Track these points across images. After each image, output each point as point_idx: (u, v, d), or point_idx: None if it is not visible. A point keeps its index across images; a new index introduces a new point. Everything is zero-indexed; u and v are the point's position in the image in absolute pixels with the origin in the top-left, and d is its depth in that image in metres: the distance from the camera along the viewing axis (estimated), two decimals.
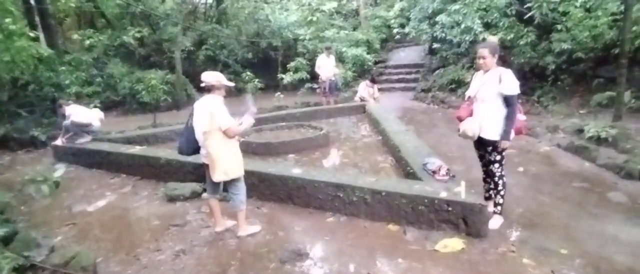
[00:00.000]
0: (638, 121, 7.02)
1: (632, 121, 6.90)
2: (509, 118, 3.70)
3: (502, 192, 3.89)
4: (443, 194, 3.79)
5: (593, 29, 8.05)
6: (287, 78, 13.59)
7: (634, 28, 7.29)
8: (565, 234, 3.72)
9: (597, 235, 3.68)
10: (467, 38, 10.71)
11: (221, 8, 17.15)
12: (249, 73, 12.78)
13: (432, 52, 14.95)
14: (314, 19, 13.95)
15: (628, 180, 5.06)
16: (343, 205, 4.31)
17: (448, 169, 4.34)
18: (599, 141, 6.17)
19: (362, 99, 10.96)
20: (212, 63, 15.99)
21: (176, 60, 14.02)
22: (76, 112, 7.39)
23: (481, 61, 3.75)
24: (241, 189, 3.96)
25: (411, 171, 4.77)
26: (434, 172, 4.33)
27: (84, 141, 7.39)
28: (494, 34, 10.01)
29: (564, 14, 8.76)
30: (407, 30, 14.50)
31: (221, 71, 15.97)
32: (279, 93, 12.57)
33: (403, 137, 6.24)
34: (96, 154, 6.89)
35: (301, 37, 14.66)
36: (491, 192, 4.14)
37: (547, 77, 9.32)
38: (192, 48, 15.32)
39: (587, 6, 8.59)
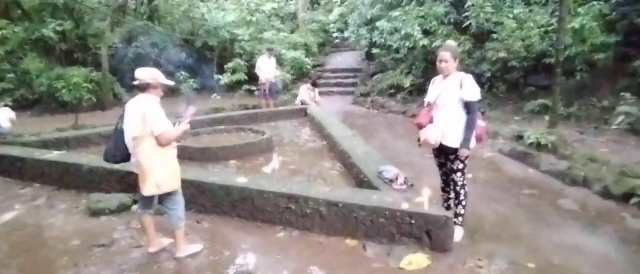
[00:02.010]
0: (570, 128, 7.34)
1: (565, 128, 7.18)
2: (470, 125, 3.54)
3: (464, 203, 3.72)
4: (405, 206, 3.54)
5: (526, 39, 8.36)
6: (225, 79, 12.99)
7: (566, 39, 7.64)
8: (529, 246, 3.60)
9: (560, 246, 3.60)
10: (406, 44, 10.78)
11: (153, 5, 16.09)
12: (184, 73, 12.00)
13: (369, 57, 15.08)
14: (253, 19, 13.44)
15: (573, 187, 5.16)
16: (295, 218, 3.93)
17: (406, 178, 4.12)
18: (539, 147, 6.32)
19: (303, 103, 10.66)
20: (143, 62, 14.96)
21: (103, 57, 12.89)
22: None
23: (443, 65, 3.56)
24: (179, 203, 3.45)
25: (365, 179, 4.50)
26: (391, 181, 4.08)
27: None
28: (433, 41, 10.21)
29: (499, 24, 9.07)
30: (346, 35, 14.48)
31: None
32: (216, 95, 11.94)
33: (351, 143, 5.99)
34: (3, 160, 5.94)
35: (239, 38, 14.09)
36: (451, 202, 3.97)
37: (484, 85, 9.58)
38: (120, 45, 14.21)
39: (519, 18, 8.96)
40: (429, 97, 3.81)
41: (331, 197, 3.80)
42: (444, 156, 3.74)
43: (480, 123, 3.65)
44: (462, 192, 3.69)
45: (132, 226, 4.19)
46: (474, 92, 3.51)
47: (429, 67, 11.31)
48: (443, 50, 3.57)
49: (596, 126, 7.36)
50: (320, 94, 12.21)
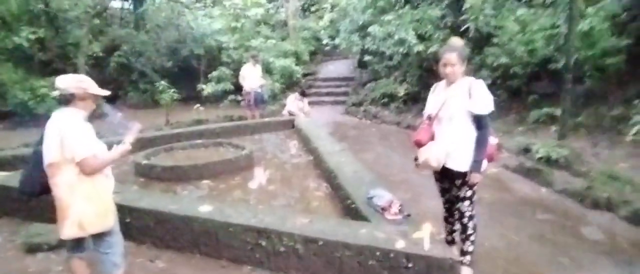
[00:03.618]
0: (580, 140, 6.67)
1: (574, 139, 6.53)
2: (481, 144, 2.87)
3: (472, 238, 3.03)
4: (400, 244, 2.84)
5: (530, 43, 7.73)
6: (209, 89, 12.29)
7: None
8: None
9: None
10: (400, 50, 10.13)
11: (138, 12, 15.41)
12: (163, 82, 11.27)
13: (362, 65, 14.46)
14: (239, 25, 12.77)
15: (595, 210, 4.47)
16: (266, 257, 3.21)
17: (401, 205, 3.41)
18: (549, 162, 5.66)
19: (291, 113, 9.97)
20: (126, 71, 14.35)
21: (80, 66, 12.17)
22: None
23: (448, 69, 2.89)
24: (114, 246, 2.73)
25: (353, 205, 3.79)
26: (384, 209, 3.38)
27: None
28: (428, 47, 9.57)
29: (499, 27, 8.44)
30: (337, 41, 13.86)
31: (136, 81, 14.56)
32: (198, 105, 11.22)
33: (339, 159, 5.29)
34: None
35: (224, 45, 13.42)
36: (455, 235, 3.29)
37: None
38: (101, 54, 13.51)
39: (521, 19, 8.34)
40: (429, 109, 3.13)
41: (309, 231, 3.09)
42: (448, 180, 3.07)
43: (492, 140, 2.97)
44: (471, 224, 3.00)
45: None
46: (485, 103, 2.85)
47: (424, 75, 10.68)
48: (448, 52, 2.90)
49: (609, 137, 6.71)
50: (311, 103, 11.57)
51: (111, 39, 14.56)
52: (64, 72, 12.70)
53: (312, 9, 19.62)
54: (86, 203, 2.50)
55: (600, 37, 7.00)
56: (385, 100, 11.60)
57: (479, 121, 2.86)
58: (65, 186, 2.46)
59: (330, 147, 6.11)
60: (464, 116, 2.87)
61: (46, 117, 2.65)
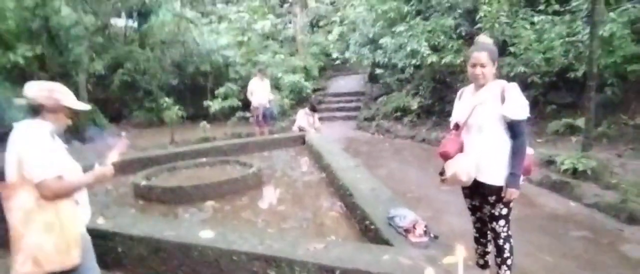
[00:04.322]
0: (603, 150, 6.25)
1: (598, 150, 6.10)
2: (517, 154, 2.51)
3: (509, 262, 2.64)
4: (429, 272, 2.43)
5: (547, 51, 7.34)
6: (215, 106, 12.02)
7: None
8: None
9: None
10: (412, 62, 9.79)
11: (143, 29, 15.28)
12: (167, 99, 11.02)
13: (373, 79, 14.19)
14: (245, 39, 12.54)
15: (634, 226, 4.09)
16: None
17: (426, 226, 3.00)
18: (575, 174, 5.26)
19: (301, 129, 9.61)
20: (131, 89, 14.13)
21: (80, 85, 11.99)
22: None
23: (478, 71, 2.53)
24: None
25: (372, 226, 3.39)
26: (407, 231, 2.97)
27: None
28: (442, 58, 9.21)
29: (515, 36, 8.07)
30: (347, 55, 13.59)
31: (141, 99, 14.34)
32: (204, 123, 10.94)
33: (354, 176, 4.90)
34: None
35: (231, 61, 13.19)
36: (487, 258, 2.88)
37: None
38: (104, 72, 13.32)
39: (538, 27, 7.97)
40: (456, 116, 2.76)
41: (325, 259, 2.70)
42: (480, 197, 2.68)
43: (529, 150, 2.59)
44: (507, 246, 2.61)
45: None
46: (521, 107, 2.47)
47: (438, 87, 10.33)
48: (478, 50, 2.55)
49: (632, 147, 6.29)
50: (322, 119, 11.24)
51: (114, 56, 14.36)
52: None
53: (321, 24, 19.44)
54: (44, 234, 2.08)
55: (621, 44, 6.67)
56: (398, 114, 11.27)
57: (515, 128, 2.50)
58: (21, 212, 2.06)
59: (344, 163, 5.73)
60: (496, 123, 2.52)
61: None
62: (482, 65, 2.53)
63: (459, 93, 2.84)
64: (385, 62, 11.02)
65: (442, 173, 2.80)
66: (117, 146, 2.51)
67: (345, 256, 2.71)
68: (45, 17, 11.94)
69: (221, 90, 12.48)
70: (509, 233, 2.65)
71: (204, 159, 6.99)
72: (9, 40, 12.30)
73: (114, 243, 3.44)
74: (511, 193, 2.49)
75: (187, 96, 13.72)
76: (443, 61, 9.06)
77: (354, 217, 4.09)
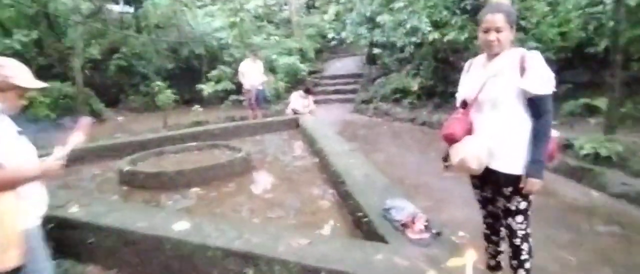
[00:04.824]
0: (629, 133, 5.81)
1: (622, 133, 5.68)
2: (541, 137, 2.13)
3: (527, 265, 2.27)
4: None
5: (563, 24, 6.88)
6: (208, 89, 11.64)
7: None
8: None
9: None
10: (412, 40, 9.36)
11: (139, 12, 14.82)
12: (159, 83, 10.65)
13: (371, 60, 13.77)
14: (237, 20, 12.10)
15: None
16: None
17: (428, 221, 2.65)
18: (597, 159, 4.85)
19: (295, 112, 9.25)
20: (127, 74, 13.85)
21: (75, 70, 11.71)
22: None
23: (492, 37, 2.13)
24: None
25: (365, 219, 3.05)
26: (405, 225, 2.63)
27: None
28: (444, 35, 8.78)
29: (527, 9, 7.60)
30: (343, 35, 13.14)
31: (137, 84, 14.00)
32: (197, 106, 10.59)
33: (347, 161, 4.56)
34: None
35: (223, 42, 12.78)
36: (501, 258, 2.54)
37: None
38: (99, 57, 12.97)
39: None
40: (464, 92, 2.38)
41: (309, 257, 2.37)
42: (492, 188, 2.31)
43: (553, 133, 2.21)
44: (525, 246, 2.25)
45: None
46: (546, 80, 2.09)
47: (440, 66, 9.90)
48: (492, 12, 2.13)
49: None
50: (318, 102, 10.87)
51: (110, 41, 14.05)
52: (64, 76, 12.34)
53: (317, 4, 18.92)
54: None
55: None
56: (397, 96, 10.86)
57: (538, 106, 2.11)
58: None
59: (337, 147, 5.39)
60: (514, 99, 2.13)
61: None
62: (498, 30, 2.11)
63: (466, 65, 2.45)
64: (383, 42, 10.60)
65: (445, 159, 2.43)
66: (72, 137, 2.18)
67: (333, 255, 2.37)
68: (44, 3, 11.49)
69: (214, 73, 12.09)
70: (528, 230, 2.28)
71: (193, 143, 6.65)
72: (8, 27, 11.99)
73: (86, 234, 3.12)
74: (533, 184, 2.10)
75: (182, 80, 13.39)
76: (446, 38, 8.59)
77: (346, 207, 3.75)
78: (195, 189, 4.72)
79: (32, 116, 9.21)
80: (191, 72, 14.01)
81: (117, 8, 15.72)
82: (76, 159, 6.24)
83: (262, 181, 5.10)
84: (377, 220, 2.85)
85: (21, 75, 2.01)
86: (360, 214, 3.16)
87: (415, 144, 7.63)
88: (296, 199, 4.24)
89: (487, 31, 2.13)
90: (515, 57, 2.13)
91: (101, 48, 13.23)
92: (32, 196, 2.05)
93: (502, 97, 2.13)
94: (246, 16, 12.71)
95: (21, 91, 2.02)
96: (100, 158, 6.38)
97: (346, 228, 3.37)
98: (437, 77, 9.81)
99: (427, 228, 2.57)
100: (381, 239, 2.63)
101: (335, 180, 4.35)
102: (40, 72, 12.41)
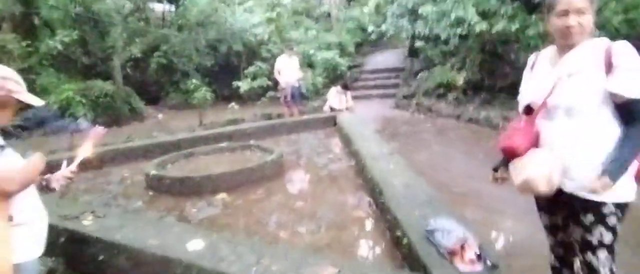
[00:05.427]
0: None
1: None
2: (632, 149, 1.62)
3: None
4: None
5: (630, 10, 6.10)
6: (244, 86, 11.45)
7: None
8: None
9: None
10: (458, 31, 8.71)
11: (180, 11, 14.91)
12: (195, 81, 10.57)
13: (412, 53, 13.15)
14: (273, 15, 11.84)
15: None
16: None
17: (480, 248, 2.18)
18: None
19: (332, 109, 8.86)
20: (167, 72, 13.94)
21: (115, 68, 11.89)
22: None
23: (573, 22, 1.64)
24: None
25: (405, 241, 2.61)
26: (453, 253, 2.17)
27: None
28: (493, 25, 8.08)
29: None
30: (383, 28, 12.59)
31: (177, 81, 14.09)
32: (233, 104, 10.42)
33: (386, 167, 4.12)
34: None
35: (260, 38, 12.57)
36: None
37: None
38: (140, 55, 13.11)
39: None
40: (528, 94, 1.89)
41: None
42: (566, 212, 1.82)
43: None
44: None
45: None
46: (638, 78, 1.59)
47: (487, 60, 9.19)
48: None
49: None
50: (357, 97, 10.45)
51: (151, 40, 14.19)
52: (107, 74, 12.56)
53: None
54: None
55: None
56: (441, 91, 10.22)
57: (632, 112, 1.60)
58: None
59: (375, 149, 4.95)
60: (597, 104, 1.63)
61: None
62: (579, 12, 1.63)
63: (530, 61, 1.96)
64: (426, 34, 9.96)
65: (496, 169, 1.98)
66: (80, 150, 1.93)
67: None
68: (89, 3, 11.69)
69: (250, 70, 11.89)
70: (614, 269, 1.77)
71: (224, 144, 6.40)
72: (54, 28, 12.33)
73: (96, 250, 2.86)
74: (604, 185, 1.60)
75: (220, 76, 13.35)
76: (494, 29, 7.89)
77: (384, 220, 3.32)
78: (221, 196, 4.42)
79: (71, 115, 9.28)
80: (230, 69, 13.97)
81: (159, 7, 15.96)
82: (108, 159, 6.17)
83: (293, 187, 4.76)
84: (419, 243, 2.41)
85: (23, 90, 1.83)
86: (399, 233, 2.72)
87: (462, 143, 7.05)
88: (329, 210, 3.84)
89: (564, 14, 1.63)
90: (598, 50, 1.63)
91: (142, 47, 13.39)
92: (28, 223, 1.77)
93: (581, 103, 1.63)
94: (283, 11, 12.42)
95: (20, 105, 1.82)
96: (132, 159, 6.26)
97: (384, 247, 2.94)
98: (484, 71, 9.11)
99: (479, 258, 2.11)
100: (423, 268, 2.19)
101: (372, 188, 3.93)
102: (85, 71, 12.74)
